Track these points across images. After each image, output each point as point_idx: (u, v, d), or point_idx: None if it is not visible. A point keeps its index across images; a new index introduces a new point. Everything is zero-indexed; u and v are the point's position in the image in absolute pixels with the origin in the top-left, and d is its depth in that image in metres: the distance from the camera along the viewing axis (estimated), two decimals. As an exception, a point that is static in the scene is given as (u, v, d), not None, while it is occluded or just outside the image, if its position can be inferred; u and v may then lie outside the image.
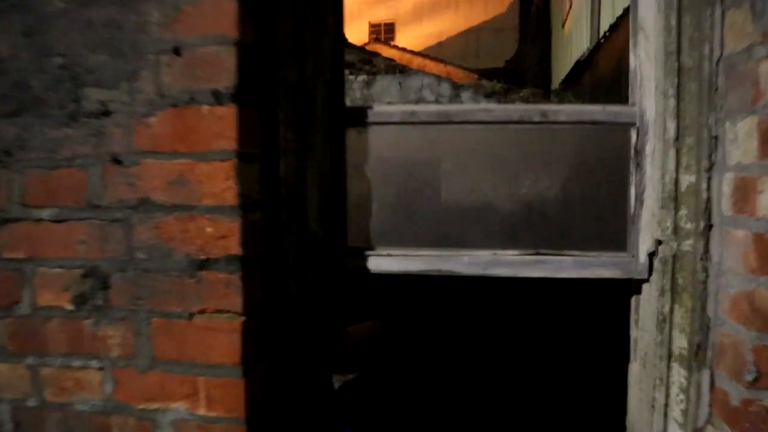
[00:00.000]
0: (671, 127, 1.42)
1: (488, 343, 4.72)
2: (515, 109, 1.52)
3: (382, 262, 1.58)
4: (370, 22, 24.58)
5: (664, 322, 1.43)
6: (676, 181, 1.42)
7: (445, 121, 1.53)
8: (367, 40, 21.07)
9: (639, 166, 1.49)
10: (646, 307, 1.50)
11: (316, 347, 1.52)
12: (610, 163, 1.44)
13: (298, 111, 1.47)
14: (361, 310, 5.24)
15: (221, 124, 1.35)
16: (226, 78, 1.34)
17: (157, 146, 1.39)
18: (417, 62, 18.64)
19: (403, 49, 20.22)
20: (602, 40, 7.49)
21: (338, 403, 3.49)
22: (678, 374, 1.40)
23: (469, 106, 1.51)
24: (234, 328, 1.37)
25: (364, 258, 1.58)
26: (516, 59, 17.20)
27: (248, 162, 1.39)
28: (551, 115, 1.52)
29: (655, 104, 1.46)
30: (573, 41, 11.49)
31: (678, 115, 1.41)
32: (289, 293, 1.48)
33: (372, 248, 1.59)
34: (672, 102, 1.42)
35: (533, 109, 1.52)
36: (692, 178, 1.38)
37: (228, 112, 1.35)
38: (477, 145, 1.55)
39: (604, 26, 7.97)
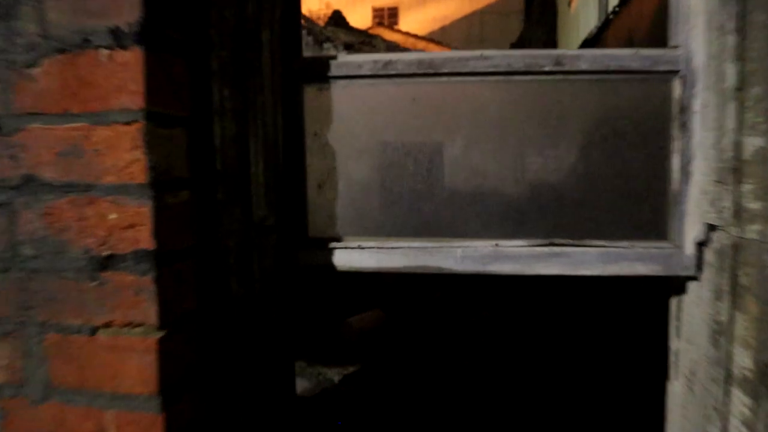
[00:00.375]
0: (731, 73, 1.06)
1: (498, 336, 4.37)
2: (520, 55, 1.16)
3: (351, 256, 1.23)
4: (373, 6, 24.13)
5: (721, 333, 1.08)
6: (738, 146, 1.06)
7: (430, 72, 1.17)
8: (370, 24, 20.65)
9: (684, 127, 1.13)
10: (693, 312, 1.15)
11: (268, 366, 1.18)
12: (645, 124, 1.08)
13: (238, 61, 1.11)
14: (363, 300, 4.91)
15: (123, 74, 1.00)
16: (128, 12, 0.99)
17: (44, 106, 1.04)
18: (420, 46, 18.21)
19: (407, 34, 19.80)
20: (611, 16, 7.08)
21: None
22: (740, 403, 1.06)
23: (461, 52, 1.15)
24: (148, 347, 1.03)
25: (329, 252, 1.23)
26: (521, 42, 16.74)
27: (166, 126, 1.04)
28: (568, 62, 1.16)
29: (708, 44, 1.10)
30: (580, 20, 11.07)
31: (740, 57, 1.05)
32: (231, 298, 1.14)
33: (339, 239, 1.24)
34: (731, 39, 1.06)
35: (544, 56, 1.16)
36: (760, 141, 1.02)
37: (132, 58, 1.00)
38: (472, 104, 1.19)
39: (613, 1, 7.55)
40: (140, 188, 1.01)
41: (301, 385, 3.94)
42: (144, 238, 1.02)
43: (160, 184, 1.03)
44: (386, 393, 3.59)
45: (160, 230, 1.03)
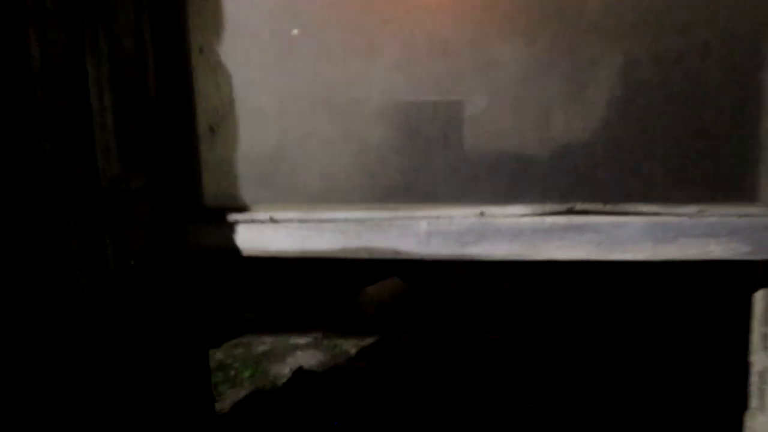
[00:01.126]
0: None
1: (524, 309, 3.91)
2: None
3: (262, 234, 0.81)
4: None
5: None
6: None
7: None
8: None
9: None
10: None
11: (141, 400, 0.79)
12: (721, 34, 0.60)
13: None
14: (381, 266, 4.54)
15: None
16: None
17: None
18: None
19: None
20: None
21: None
22: None
23: None
24: None
25: (229, 228, 0.82)
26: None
27: None
28: None
29: None
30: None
31: None
32: (75, 301, 0.74)
33: (244, 207, 0.82)
34: None
35: None
36: None
37: None
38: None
39: None
40: None
41: (316, 357, 3.63)
42: None
43: None
44: (403, 368, 3.21)
45: None
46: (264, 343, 3.88)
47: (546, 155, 0.78)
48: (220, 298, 4.28)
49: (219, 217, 0.83)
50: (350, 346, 3.72)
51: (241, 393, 3.34)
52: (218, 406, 3.23)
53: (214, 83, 0.82)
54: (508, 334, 3.48)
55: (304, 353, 3.69)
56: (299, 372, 3.26)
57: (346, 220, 0.79)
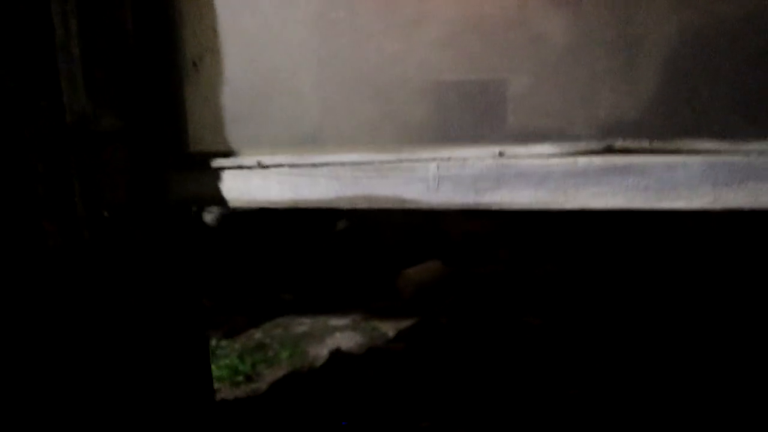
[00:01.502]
0: None
1: (581, 295, 3.72)
2: None
3: (249, 182, 0.71)
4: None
5: None
6: None
7: None
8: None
9: None
10: None
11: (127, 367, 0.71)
12: None
13: None
14: (420, 246, 4.41)
15: None
16: None
17: None
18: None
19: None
20: None
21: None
22: None
23: None
24: None
25: (214, 176, 0.72)
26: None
27: None
28: None
29: None
30: None
31: None
32: (39, 251, 0.67)
33: (231, 153, 0.72)
34: None
35: None
36: None
37: None
38: None
39: None
40: None
41: (354, 339, 3.56)
42: None
43: None
44: (441, 351, 3.09)
45: None
46: (302, 325, 3.84)
47: (579, 80, 0.64)
48: (258, 278, 4.26)
49: (203, 163, 0.74)
50: (388, 329, 3.63)
51: (279, 373, 3.30)
52: (256, 385, 3.20)
53: (197, 11, 0.72)
54: (550, 318, 3.31)
55: (342, 335, 3.62)
56: (337, 353, 3.20)
57: (342, 164, 0.69)
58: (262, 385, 3.24)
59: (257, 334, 3.81)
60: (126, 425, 0.74)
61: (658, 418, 2.33)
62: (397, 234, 4.46)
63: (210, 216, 4.66)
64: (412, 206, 0.68)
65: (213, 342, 3.70)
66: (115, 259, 0.72)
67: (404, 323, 3.61)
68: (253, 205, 0.73)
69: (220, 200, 0.73)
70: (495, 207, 0.66)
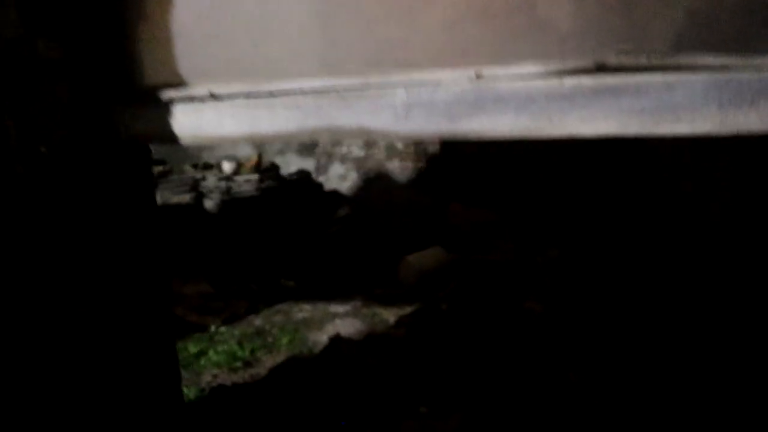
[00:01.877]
0: None
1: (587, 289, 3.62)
2: None
3: (201, 115, 0.65)
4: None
5: None
6: None
7: None
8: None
9: None
10: None
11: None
12: None
13: None
14: (423, 233, 4.33)
15: None
16: None
17: None
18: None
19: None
20: None
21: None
22: None
23: None
24: None
25: (165, 110, 0.65)
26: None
27: None
28: None
29: None
30: None
31: None
32: None
33: (183, 83, 0.65)
34: None
35: None
36: None
37: None
38: None
39: None
40: None
41: (354, 325, 3.49)
42: None
43: None
44: (442, 337, 3.01)
45: None
46: (303, 311, 3.78)
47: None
48: (259, 264, 4.21)
49: (153, 97, 0.67)
50: (389, 315, 3.55)
51: (278, 359, 3.24)
52: (254, 371, 3.14)
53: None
54: (552, 304, 3.22)
55: (342, 321, 3.55)
56: (336, 339, 3.14)
57: (302, 92, 0.61)
58: (260, 370, 3.18)
59: (257, 321, 3.75)
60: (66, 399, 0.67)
61: (655, 402, 2.25)
62: (399, 220, 4.38)
63: (210, 202, 4.60)
64: (379, 137, 0.60)
65: (212, 328, 3.65)
66: (55, 198, 0.65)
67: (405, 309, 3.54)
68: (207, 142, 0.66)
69: (171, 137, 0.66)
70: (471, 136, 0.58)
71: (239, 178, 4.57)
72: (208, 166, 5.01)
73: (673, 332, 2.89)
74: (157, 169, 4.86)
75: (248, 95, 0.63)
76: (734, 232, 3.38)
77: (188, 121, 0.65)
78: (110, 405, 0.68)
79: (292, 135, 0.62)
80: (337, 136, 0.61)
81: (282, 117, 0.62)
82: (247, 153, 5.23)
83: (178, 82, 0.66)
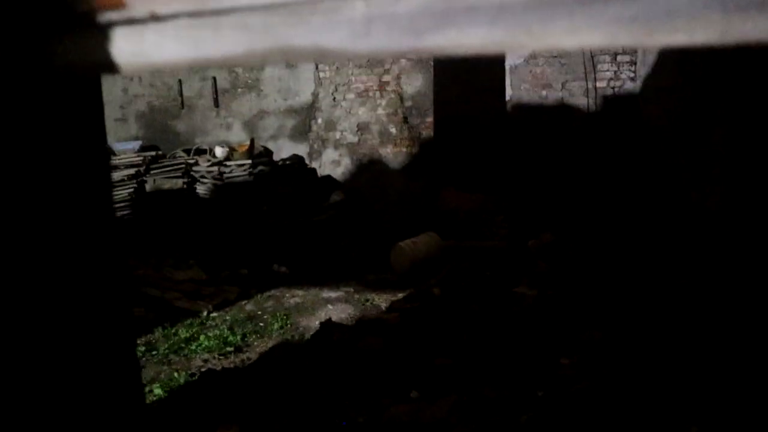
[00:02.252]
0: None
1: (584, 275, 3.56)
2: None
3: (143, 39, 0.58)
4: None
5: None
6: None
7: None
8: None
9: None
10: None
11: None
12: None
13: None
14: (421, 220, 4.28)
15: None
16: None
17: None
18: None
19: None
20: None
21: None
22: None
23: None
24: None
25: (103, 35, 0.59)
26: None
27: None
28: None
29: None
30: None
31: None
32: None
33: (124, 5, 0.59)
34: None
35: None
36: None
37: None
38: None
39: None
40: None
41: (346, 311, 3.45)
42: None
43: None
44: (434, 321, 2.95)
45: None
46: (295, 297, 3.73)
47: None
48: (251, 250, 4.15)
49: (91, 21, 0.60)
50: (382, 301, 3.50)
51: (269, 344, 3.19)
52: (245, 356, 3.10)
53: None
54: (545, 289, 3.17)
55: (334, 307, 3.51)
56: (327, 324, 3.08)
57: (251, 9, 0.54)
58: (251, 355, 3.12)
59: (249, 306, 3.70)
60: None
61: (648, 386, 2.19)
62: (392, 206, 4.33)
63: (203, 187, 4.54)
64: (336, 57, 0.54)
65: (204, 314, 3.59)
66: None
67: (398, 295, 3.49)
68: (148, 69, 0.59)
69: (110, 65, 0.59)
70: (438, 52, 0.51)
71: (231, 163, 4.51)
72: (200, 152, 4.95)
73: (667, 315, 2.83)
74: (149, 154, 4.80)
75: (192, 14, 0.56)
76: (729, 217, 3.30)
77: (128, 47, 0.58)
78: (47, 405, 0.62)
79: (240, 58, 0.55)
80: (291, 59, 0.54)
81: (229, 38, 0.55)
82: (240, 138, 5.16)
83: (117, 3, 0.59)
